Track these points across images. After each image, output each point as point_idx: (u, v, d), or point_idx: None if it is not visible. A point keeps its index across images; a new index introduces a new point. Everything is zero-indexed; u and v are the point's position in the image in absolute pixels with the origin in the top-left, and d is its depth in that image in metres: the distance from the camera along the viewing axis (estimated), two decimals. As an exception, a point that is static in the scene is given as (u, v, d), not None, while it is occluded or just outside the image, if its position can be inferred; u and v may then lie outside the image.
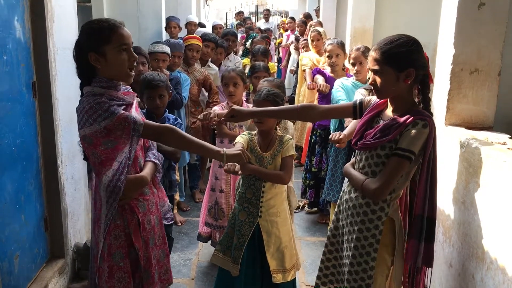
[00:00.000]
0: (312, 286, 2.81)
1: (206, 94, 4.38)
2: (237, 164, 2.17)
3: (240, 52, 7.20)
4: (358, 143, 1.91)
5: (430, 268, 1.91)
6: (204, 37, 4.40)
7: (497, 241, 1.70)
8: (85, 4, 5.37)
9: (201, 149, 2.02)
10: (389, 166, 1.78)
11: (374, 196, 1.82)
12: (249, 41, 7.08)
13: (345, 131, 2.73)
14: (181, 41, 4.27)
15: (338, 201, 2.08)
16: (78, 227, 2.96)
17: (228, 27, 12.69)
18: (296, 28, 7.71)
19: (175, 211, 3.85)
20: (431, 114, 1.83)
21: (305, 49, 5.72)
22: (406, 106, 1.82)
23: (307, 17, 8.22)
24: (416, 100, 1.87)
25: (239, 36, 7.97)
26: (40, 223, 2.57)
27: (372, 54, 1.81)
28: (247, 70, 4.10)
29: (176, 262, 3.23)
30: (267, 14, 13.07)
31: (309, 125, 4.56)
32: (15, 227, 2.28)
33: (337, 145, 2.53)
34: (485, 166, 1.81)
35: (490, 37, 2.19)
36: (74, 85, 2.78)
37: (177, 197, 3.89)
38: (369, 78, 1.91)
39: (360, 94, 2.88)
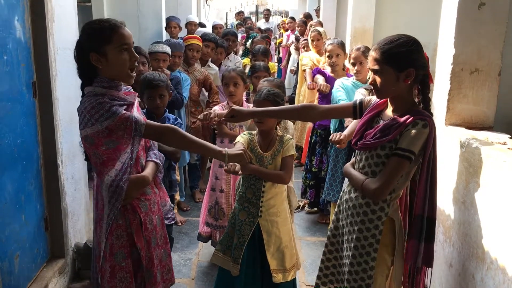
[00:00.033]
0: (312, 286, 2.82)
1: (206, 94, 4.38)
2: (237, 164, 2.17)
3: (241, 52, 7.20)
4: (358, 143, 1.91)
5: (430, 268, 1.91)
6: (204, 37, 4.41)
7: (497, 241, 1.70)
8: (85, 4, 5.37)
9: (202, 149, 2.02)
10: (389, 166, 1.78)
11: (374, 196, 1.82)
12: (249, 41, 7.08)
13: (345, 132, 2.73)
14: (181, 41, 4.27)
15: (338, 201, 2.08)
16: (78, 227, 2.96)
17: (228, 27, 12.69)
18: (296, 28, 7.71)
19: (175, 211, 3.85)
20: (431, 114, 1.83)
21: (305, 49, 5.72)
22: (406, 106, 1.82)
23: (307, 17, 8.22)
24: (416, 100, 1.87)
25: (240, 36, 7.97)
26: (40, 223, 2.57)
27: (372, 54, 1.81)
28: (247, 70, 4.10)
29: (176, 262, 3.22)
30: (267, 14, 13.08)
31: (309, 125, 4.56)
32: (15, 227, 2.28)
33: (337, 145, 2.53)
34: (485, 166, 1.81)
35: (490, 37, 2.19)
36: (74, 85, 2.79)
37: (177, 197, 3.89)
38: (369, 78, 1.91)
39: (360, 94, 2.89)
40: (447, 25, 2.30)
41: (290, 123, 2.82)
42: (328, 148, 3.70)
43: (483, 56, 2.21)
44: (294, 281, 2.44)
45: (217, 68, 4.62)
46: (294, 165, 2.63)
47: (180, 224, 3.80)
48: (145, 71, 3.20)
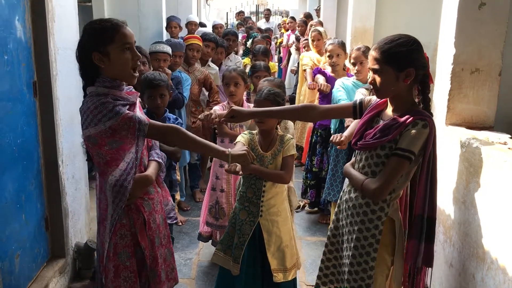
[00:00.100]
0: (312, 285, 2.82)
1: (207, 93, 4.39)
2: (238, 164, 2.17)
3: (241, 51, 7.20)
4: (358, 143, 1.91)
5: (430, 268, 1.91)
6: (204, 37, 4.41)
7: (498, 241, 1.70)
8: (85, 4, 5.38)
9: (205, 149, 2.02)
10: (389, 166, 1.78)
11: (374, 196, 1.82)
12: (250, 40, 7.09)
13: (346, 132, 2.73)
14: (182, 40, 4.27)
15: (338, 201, 2.08)
16: (79, 227, 2.96)
17: (228, 26, 12.71)
18: (297, 28, 7.71)
19: (176, 210, 3.85)
20: (431, 114, 1.83)
21: (306, 48, 5.72)
22: (406, 106, 1.82)
23: (308, 17, 8.23)
24: (416, 100, 1.87)
25: (240, 36, 7.98)
26: (40, 222, 2.57)
27: (372, 53, 1.81)
28: (247, 70, 4.10)
29: (177, 261, 3.20)
30: (267, 14, 13.09)
31: (310, 125, 4.56)
32: (15, 226, 2.28)
33: (338, 147, 2.53)
34: (486, 166, 1.81)
35: (490, 37, 2.19)
36: (74, 85, 2.80)
37: (177, 196, 3.89)
38: (369, 78, 1.91)
39: (360, 94, 2.89)
40: (447, 25, 2.30)
41: (290, 123, 2.82)
42: (329, 148, 3.69)
43: (484, 56, 2.21)
44: (294, 280, 2.44)
45: (217, 68, 4.62)
46: (294, 165, 2.63)
47: (180, 223, 3.80)
48: (146, 71, 3.21)
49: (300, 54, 6.09)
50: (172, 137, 1.91)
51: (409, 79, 1.76)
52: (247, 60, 5.58)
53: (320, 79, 3.85)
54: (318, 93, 4.04)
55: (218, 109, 2.92)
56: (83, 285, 2.79)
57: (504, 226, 1.65)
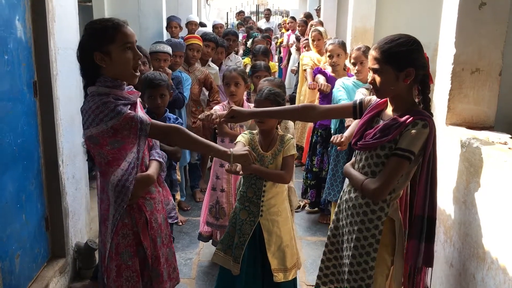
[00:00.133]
0: (312, 285, 2.82)
1: (207, 93, 4.39)
2: (238, 164, 2.17)
3: (241, 51, 7.21)
4: (358, 143, 1.90)
5: (430, 268, 1.91)
6: (205, 37, 4.41)
7: (498, 241, 1.70)
8: (86, 4, 5.38)
9: (207, 149, 2.02)
10: (388, 166, 1.78)
11: (373, 196, 1.81)
12: (250, 40, 7.09)
13: (346, 133, 2.73)
14: (182, 40, 4.28)
15: (338, 201, 2.08)
16: (79, 227, 2.97)
17: (229, 26, 12.70)
18: (297, 28, 7.71)
19: (176, 210, 3.85)
20: (431, 114, 1.83)
21: (306, 48, 5.72)
22: (406, 106, 1.82)
23: (308, 16, 8.23)
24: (416, 100, 1.87)
25: (240, 36, 7.98)
26: (41, 222, 2.57)
27: (372, 53, 1.81)
28: (248, 70, 4.10)
29: (177, 261, 3.21)
30: (267, 14, 13.09)
31: (310, 124, 4.56)
32: (16, 226, 2.28)
33: (338, 148, 2.53)
34: (486, 166, 1.81)
35: (491, 37, 2.18)
36: (75, 85, 2.80)
37: (178, 196, 3.90)
38: (369, 77, 1.91)
39: (361, 94, 2.88)
40: (447, 25, 2.30)
41: (290, 123, 2.82)
42: (329, 148, 3.69)
43: (484, 56, 2.20)
44: (294, 280, 2.44)
45: (217, 68, 4.62)
46: (294, 165, 2.64)
47: (181, 223, 3.80)
48: (146, 71, 3.21)
49: (300, 54, 6.10)
50: (174, 137, 1.91)
51: (409, 79, 1.76)
52: (247, 60, 5.58)
53: (321, 79, 3.85)
54: (318, 93, 4.03)
55: (219, 109, 2.92)
56: (83, 285, 2.79)
57: (504, 226, 1.65)
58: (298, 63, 6.04)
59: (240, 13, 13.90)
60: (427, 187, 1.82)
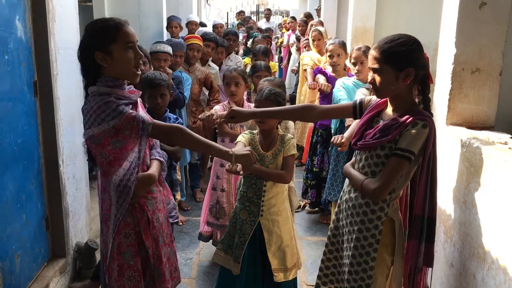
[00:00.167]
0: (312, 285, 2.82)
1: (207, 93, 4.39)
2: (239, 164, 2.17)
3: (241, 51, 7.21)
4: (358, 143, 1.90)
5: (430, 268, 1.91)
6: (205, 37, 4.41)
7: (498, 241, 1.70)
8: (86, 4, 5.38)
9: (209, 149, 2.02)
10: (388, 166, 1.78)
11: (373, 196, 1.81)
12: (251, 40, 7.09)
13: (346, 134, 2.73)
14: (183, 40, 4.28)
15: (338, 201, 2.08)
16: (79, 227, 2.97)
17: (229, 26, 12.71)
18: (297, 28, 7.71)
19: (177, 210, 3.85)
20: (431, 114, 1.83)
21: (306, 48, 5.72)
22: (406, 106, 1.82)
23: (308, 16, 8.23)
24: (416, 100, 1.87)
25: (241, 35, 7.98)
26: (41, 222, 2.57)
27: (372, 53, 1.81)
28: (248, 69, 4.10)
29: (177, 261, 3.23)
30: (268, 14, 13.09)
31: (310, 124, 4.56)
32: (16, 226, 2.28)
33: (339, 148, 2.53)
34: (486, 166, 1.81)
35: (491, 37, 2.18)
36: (75, 85, 2.80)
37: (178, 196, 3.90)
38: (369, 77, 1.91)
39: (361, 94, 2.88)
40: (448, 25, 2.30)
41: (291, 123, 2.82)
42: (329, 148, 3.69)
43: (484, 55, 2.20)
44: (295, 280, 2.44)
45: (217, 68, 4.62)
46: (295, 165, 2.63)
47: (181, 223, 3.80)
48: (146, 71, 3.21)
49: (300, 54, 6.10)
50: (176, 137, 1.91)
51: (409, 79, 1.76)
52: (247, 59, 5.58)
53: (321, 79, 3.85)
54: (318, 93, 4.03)
55: (219, 109, 2.92)
56: (84, 284, 2.79)
57: (504, 226, 1.65)
58: (299, 63, 6.03)
59: (240, 13, 13.91)
60: (427, 187, 1.82)
